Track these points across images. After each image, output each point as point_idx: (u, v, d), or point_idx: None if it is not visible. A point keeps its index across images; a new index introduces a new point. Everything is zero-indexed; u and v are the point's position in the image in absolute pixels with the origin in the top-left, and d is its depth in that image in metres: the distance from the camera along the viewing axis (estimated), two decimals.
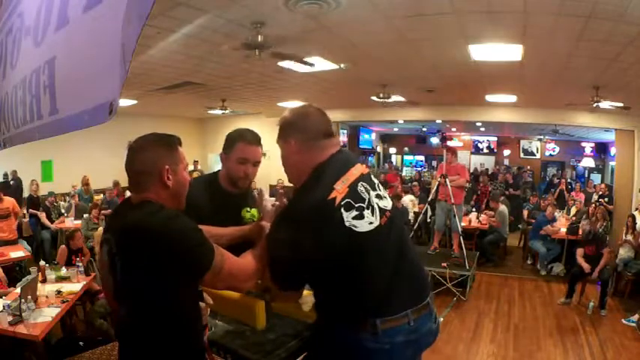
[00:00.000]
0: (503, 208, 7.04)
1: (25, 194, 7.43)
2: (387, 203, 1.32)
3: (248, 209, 1.78)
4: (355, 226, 1.19)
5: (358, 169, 1.31)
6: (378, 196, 1.30)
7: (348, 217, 1.19)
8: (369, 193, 1.27)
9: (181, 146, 1.28)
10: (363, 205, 1.23)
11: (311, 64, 4.42)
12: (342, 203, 1.19)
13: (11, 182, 7.61)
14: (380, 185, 1.36)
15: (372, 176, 1.36)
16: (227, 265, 1.16)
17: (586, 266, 5.04)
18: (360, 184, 1.26)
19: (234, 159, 1.70)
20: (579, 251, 5.32)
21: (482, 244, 6.81)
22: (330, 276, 1.22)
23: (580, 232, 6.17)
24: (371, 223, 1.22)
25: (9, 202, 5.70)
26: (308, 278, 1.29)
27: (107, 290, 1.25)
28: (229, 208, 1.71)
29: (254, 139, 1.73)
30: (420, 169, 15.08)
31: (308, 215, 1.20)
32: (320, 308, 1.33)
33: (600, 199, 7.81)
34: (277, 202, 1.57)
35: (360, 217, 1.21)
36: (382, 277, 1.23)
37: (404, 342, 1.22)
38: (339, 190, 1.21)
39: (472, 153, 15.49)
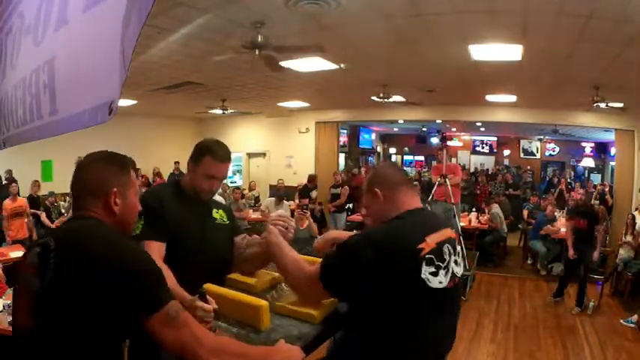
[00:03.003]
0: (495, 208, 7.06)
1: (25, 194, 7.42)
2: (460, 270, 1.39)
3: (216, 210, 1.79)
4: (429, 280, 1.25)
5: (448, 232, 1.39)
6: (455, 262, 1.37)
7: (425, 271, 1.25)
8: (450, 256, 1.33)
9: (134, 170, 1.18)
10: (441, 265, 1.29)
11: (320, 48, 4.15)
12: (426, 257, 1.25)
13: (5, 182, 7.60)
14: (460, 253, 1.43)
15: (457, 242, 1.43)
16: (186, 317, 0.97)
17: (571, 252, 4.90)
18: (445, 246, 1.33)
19: (201, 173, 1.65)
20: (569, 225, 5.01)
21: (482, 244, 6.81)
22: (382, 307, 1.26)
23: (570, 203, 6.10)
24: (441, 282, 1.27)
25: (21, 201, 6.04)
26: (355, 295, 1.32)
27: (22, 299, 1.01)
28: (198, 211, 1.70)
29: (224, 157, 1.68)
30: (420, 169, 15.06)
31: (394, 252, 1.24)
32: (352, 328, 1.37)
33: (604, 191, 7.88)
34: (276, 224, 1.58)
35: (435, 274, 1.27)
36: (429, 330, 1.30)
37: None
38: (429, 242, 1.27)
39: (472, 153, 15.48)
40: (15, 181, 6.31)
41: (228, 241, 1.76)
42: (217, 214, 1.78)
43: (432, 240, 1.28)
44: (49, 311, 0.94)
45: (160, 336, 0.95)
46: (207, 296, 1.31)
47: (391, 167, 1.68)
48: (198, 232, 1.64)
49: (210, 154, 1.65)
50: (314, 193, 8.13)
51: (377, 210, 1.44)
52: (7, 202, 5.93)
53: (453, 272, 1.33)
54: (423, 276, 1.24)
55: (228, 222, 1.81)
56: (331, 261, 1.31)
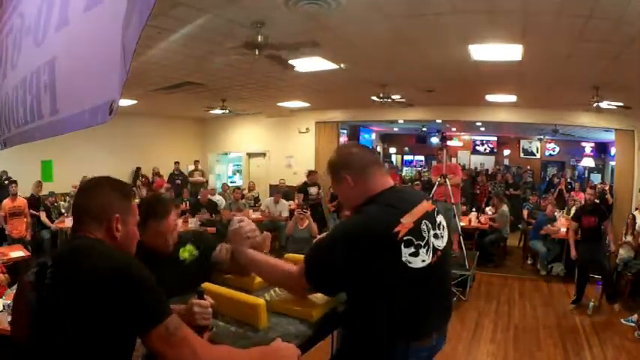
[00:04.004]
0: (504, 208, 7.06)
1: (26, 194, 7.40)
2: (442, 243, 1.36)
3: (183, 249, 1.73)
4: (410, 262, 1.23)
5: (424, 206, 1.35)
6: (436, 235, 1.34)
7: (405, 253, 1.22)
8: (428, 232, 1.30)
9: (135, 200, 1.20)
10: (421, 243, 1.26)
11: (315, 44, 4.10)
12: (405, 239, 1.23)
13: (5, 182, 7.60)
14: (441, 223, 1.39)
15: (436, 213, 1.39)
16: (185, 332, 0.99)
17: (573, 253, 4.92)
18: (423, 222, 1.30)
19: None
20: (572, 225, 5.02)
21: (482, 243, 6.81)
22: (370, 295, 1.26)
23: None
24: (423, 260, 1.26)
25: (21, 201, 6.24)
26: (345, 289, 1.34)
27: (20, 310, 1.06)
28: (165, 267, 1.57)
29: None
30: (420, 168, 15.05)
31: (369, 241, 1.22)
32: (352, 316, 1.37)
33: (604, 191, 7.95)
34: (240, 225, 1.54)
35: (416, 254, 1.24)
36: (421, 306, 1.29)
37: (426, 355, 1.34)
38: (405, 224, 1.24)
39: (472, 153, 15.47)
40: (15, 182, 6.37)
41: (202, 276, 1.65)
42: (185, 253, 1.73)
43: (407, 220, 1.25)
44: (44, 322, 0.96)
45: (159, 352, 0.97)
46: (205, 295, 1.31)
47: (356, 147, 1.50)
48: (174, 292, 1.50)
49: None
50: (313, 190, 7.95)
51: (349, 196, 1.41)
52: (6, 202, 6.09)
53: (434, 247, 1.30)
54: (403, 259, 1.22)
55: (197, 252, 1.75)
56: (311, 258, 1.32)
